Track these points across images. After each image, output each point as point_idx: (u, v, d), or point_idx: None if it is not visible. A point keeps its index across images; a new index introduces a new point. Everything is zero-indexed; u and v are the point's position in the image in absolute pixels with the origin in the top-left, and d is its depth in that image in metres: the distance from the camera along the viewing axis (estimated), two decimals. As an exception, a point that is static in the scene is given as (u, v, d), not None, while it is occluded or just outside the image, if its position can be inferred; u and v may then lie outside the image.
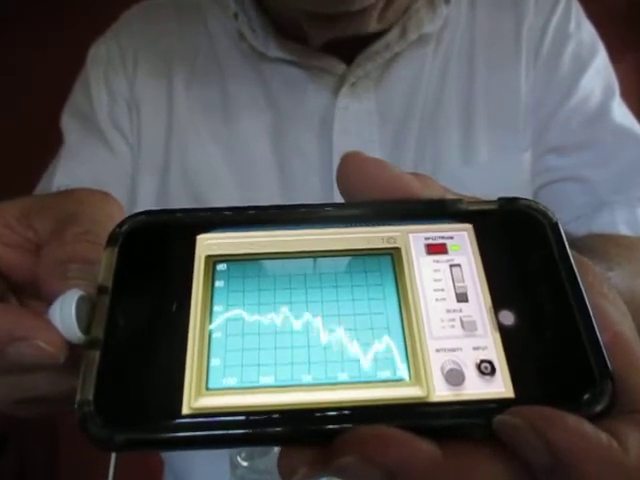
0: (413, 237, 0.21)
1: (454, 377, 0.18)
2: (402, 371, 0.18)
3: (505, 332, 0.19)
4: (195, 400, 0.17)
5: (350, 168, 0.21)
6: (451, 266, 0.20)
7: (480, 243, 0.21)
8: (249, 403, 0.18)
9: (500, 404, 0.17)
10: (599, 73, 0.57)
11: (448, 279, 0.20)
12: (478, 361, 0.18)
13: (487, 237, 0.21)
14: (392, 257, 0.20)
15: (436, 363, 0.18)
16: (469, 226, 0.21)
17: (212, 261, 0.20)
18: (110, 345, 0.18)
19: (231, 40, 0.57)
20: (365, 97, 0.55)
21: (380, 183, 0.20)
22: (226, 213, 0.21)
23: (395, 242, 0.21)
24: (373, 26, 0.50)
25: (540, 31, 0.57)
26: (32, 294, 0.24)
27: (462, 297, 0.20)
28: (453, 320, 0.19)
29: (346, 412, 0.17)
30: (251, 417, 0.17)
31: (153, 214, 0.21)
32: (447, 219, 0.21)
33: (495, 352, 0.18)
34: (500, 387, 0.18)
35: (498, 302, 0.19)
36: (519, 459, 0.16)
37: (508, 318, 0.19)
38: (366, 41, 0.53)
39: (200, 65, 0.57)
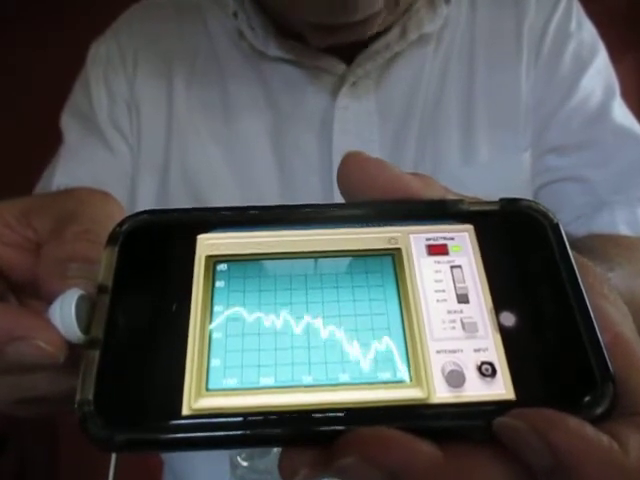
0: (414, 238, 0.21)
1: (455, 379, 0.18)
2: (403, 372, 0.18)
3: (506, 333, 0.19)
4: (195, 401, 0.17)
5: (351, 168, 0.21)
6: (452, 267, 0.20)
7: (481, 244, 0.21)
8: (249, 404, 0.18)
9: (501, 406, 0.17)
10: (600, 73, 0.57)
11: (449, 280, 0.20)
12: (479, 363, 0.18)
13: (488, 238, 0.21)
14: (393, 258, 0.20)
15: (437, 364, 0.18)
16: (470, 227, 0.21)
17: (212, 261, 0.20)
18: (110, 345, 0.18)
19: (231, 40, 0.57)
20: (365, 97, 0.54)
21: (381, 183, 0.20)
22: (227, 213, 0.21)
23: (396, 243, 0.21)
24: (375, 30, 0.50)
25: (541, 31, 0.57)
26: (32, 294, 0.24)
27: (463, 298, 0.19)
28: (454, 321, 0.19)
29: (347, 413, 0.17)
30: (251, 418, 0.17)
31: (154, 214, 0.21)
32: (448, 220, 0.21)
33: (496, 354, 0.18)
34: (501, 389, 0.18)
35: (499, 303, 0.19)
36: (520, 461, 0.16)
37: (509, 319, 0.19)
38: (366, 41, 0.52)
39: (200, 65, 0.57)
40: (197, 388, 0.18)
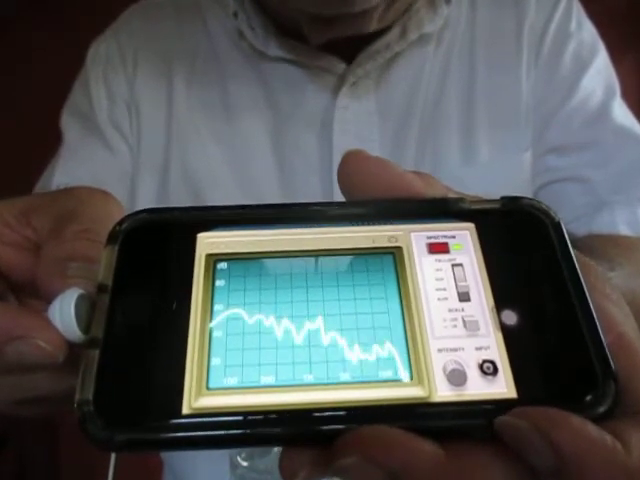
0: (415, 236, 0.21)
1: (456, 377, 0.18)
2: (404, 371, 0.18)
3: (507, 332, 0.19)
4: (195, 400, 0.17)
5: (351, 167, 0.21)
6: (453, 265, 0.20)
7: (482, 242, 0.20)
8: (250, 403, 0.17)
9: (502, 405, 0.17)
10: (600, 73, 0.57)
11: (450, 278, 0.20)
12: (480, 361, 0.18)
13: (489, 236, 0.21)
14: (394, 256, 0.20)
15: (438, 363, 0.18)
16: (471, 225, 0.21)
17: (213, 260, 0.20)
18: (110, 344, 0.18)
19: (231, 39, 0.57)
20: (365, 97, 0.54)
21: (382, 182, 0.20)
22: (227, 211, 0.21)
23: (397, 241, 0.21)
24: (374, 27, 0.50)
25: (541, 30, 0.57)
26: (31, 293, 0.24)
27: (464, 297, 0.19)
28: (455, 320, 0.19)
29: (348, 412, 0.17)
30: (252, 417, 0.17)
31: (153, 212, 0.21)
32: (449, 218, 0.21)
33: (497, 352, 0.18)
34: (502, 387, 0.18)
35: (500, 302, 0.19)
36: (522, 460, 0.16)
37: (510, 318, 0.19)
38: (366, 41, 0.52)
39: (200, 64, 0.57)
40: (197, 387, 0.18)
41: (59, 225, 0.23)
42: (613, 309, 0.19)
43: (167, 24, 0.59)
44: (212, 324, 0.19)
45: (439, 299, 0.19)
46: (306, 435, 0.17)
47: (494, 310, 0.19)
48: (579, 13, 0.59)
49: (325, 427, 0.17)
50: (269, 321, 0.19)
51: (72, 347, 0.19)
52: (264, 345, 0.18)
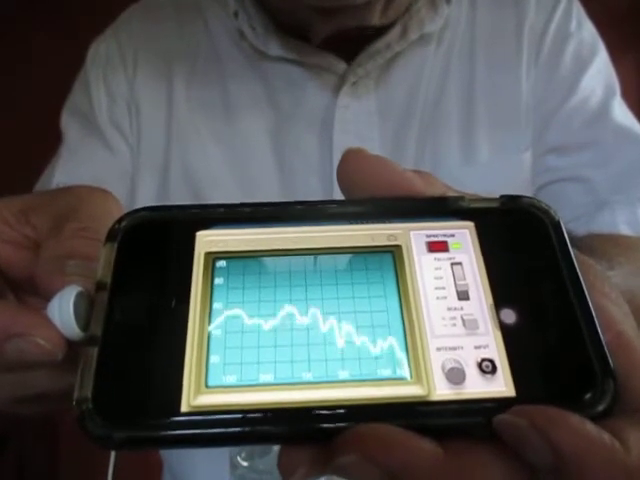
0: (414, 235, 0.21)
1: (455, 376, 0.18)
2: (403, 370, 0.18)
3: (506, 330, 0.19)
4: (194, 398, 0.17)
5: (351, 165, 0.21)
6: (452, 264, 0.20)
7: (482, 241, 0.20)
8: (249, 401, 0.17)
9: (501, 403, 0.17)
10: (600, 72, 0.57)
11: (449, 277, 0.20)
12: (479, 360, 0.18)
13: (489, 235, 0.21)
14: (393, 255, 0.20)
15: (437, 362, 0.18)
16: (471, 224, 0.21)
17: (211, 258, 0.20)
18: (108, 342, 0.18)
19: (231, 39, 0.57)
20: (365, 96, 0.54)
21: (382, 180, 0.20)
22: (226, 210, 0.21)
23: (396, 240, 0.21)
24: (376, 20, 0.50)
25: (541, 30, 0.57)
26: (30, 291, 0.24)
27: (463, 295, 0.19)
28: (454, 318, 0.19)
29: (346, 410, 0.17)
30: (251, 415, 0.17)
31: (152, 210, 0.21)
32: (449, 217, 0.21)
33: (496, 351, 0.18)
34: (501, 386, 0.18)
35: (499, 300, 0.19)
36: (521, 458, 0.16)
37: (509, 316, 0.19)
38: (367, 40, 0.52)
39: (200, 64, 0.57)
40: (196, 385, 0.18)
41: (58, 223, 0.23)
42: (612, 308, 0.19)
43: (167, 24, 0.59)
44: (211, 322, 0.19)
45: (438, 298, 0.19)
46: (305, 433, 0.17)
47: (493, 309, 0.19)
48: (579, 13, 0.59)
49: (324, 425, 0.17)
50: (268, 319, 0.19)
51: (71, 345, 0.19)
52: (263, 343, 0.18)
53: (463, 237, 0.21)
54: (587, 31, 0.58)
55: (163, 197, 0.56)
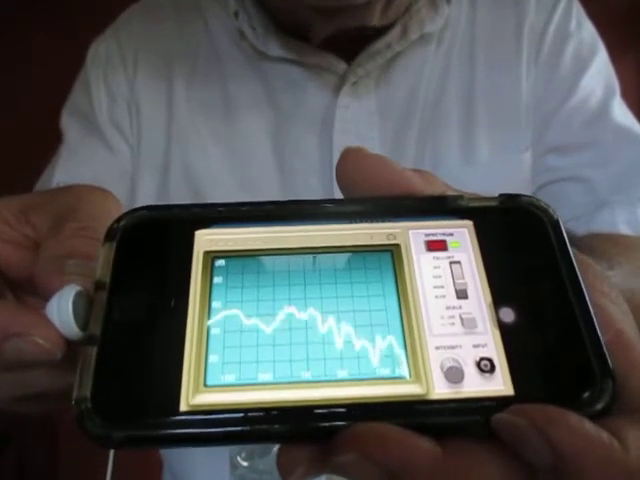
0: (413, 234, 0.21)
1: (454, 375, 0.18)
2: (401, 368, 0.18)
3: (505, 329, 0.19)
4: (193, 397, 0.17)
5: (350, 164, 0.21)
6: (451, 263, 0.20)
7: (480, 240, 0.20)
8: (247, 400, 0.17)
9: (500, 402, 0.17)
10: (600, 72, 0.57)
11: (448, 276, 0.20)
12: (478, 359, 0.18)
13: (487, 234, 0.21)
14: (392, 254, 0.20)
15: (436, 360, 0.18)
16: (469, 223, 0.21)
17: (210, 257, 0.20)
18: (107, 341, 0.18)
19: (232, 39, 0.57)
20: (365, 96, 0.54)
21: (381, 179, 0.20)
22: (225, 209, 0.21)
23: (395, 239, 0.21)
24: (376, 20, 0.50)
25: (541, 30, 0.57)
26: (30, 291, 0.24)
27: (462, 294, 0.19)
28: (453, 317, 0.19)
29: (345, 409, 0.17)
30: (249, 414, 0.17)
31: (151, 210, 0.21)
32: (447, 216, 0.21)
33: (495, 350, 0.18)
34: (500, 385, 0.18)
35: (498, 299, 0.19)
36: (519, 457, 0.16)
37: (508, 315, 0.19)
38: (367, 40, 0.52)
39: (201, 65, 0.57)
40: (195, 384, 0.18)
41: (58, 223, 0.23)
42: (611, 307, 0.19)
43: (167, 24, 0.59)
44: (210, 321, 0.19)
45: (437, 296, 0.19)
46: (304, 432, 0.17)
47: (492, 307, 0.19)
48: (579, 13, 0.59)
49: (323, 424, 0.17)
50: (267, 318, 0.19)
51: (70, 344, 0.19)
52: (262, 342, 0.18)
53: (462, 236, 0.21)
54: (587, 31, 0.58)
55: (163, 197, 0.56)
